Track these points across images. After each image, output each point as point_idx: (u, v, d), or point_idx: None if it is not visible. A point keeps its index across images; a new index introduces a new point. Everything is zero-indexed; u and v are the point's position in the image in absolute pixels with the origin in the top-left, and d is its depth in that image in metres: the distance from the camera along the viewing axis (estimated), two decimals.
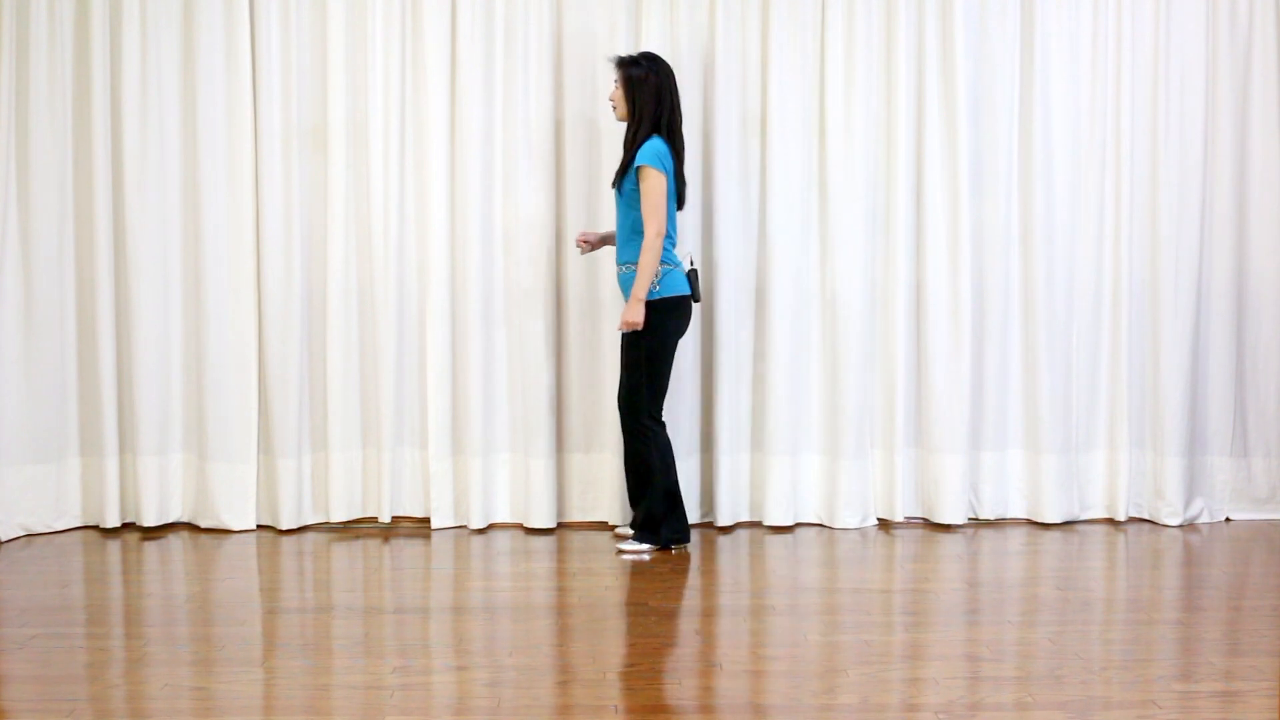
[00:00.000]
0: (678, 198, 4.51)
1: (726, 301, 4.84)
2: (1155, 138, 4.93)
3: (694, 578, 4.24)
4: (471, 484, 4.85)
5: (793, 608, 3.85)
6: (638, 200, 4.41)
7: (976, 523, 4.99)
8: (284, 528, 4.84)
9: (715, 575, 4.29)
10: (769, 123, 4.86)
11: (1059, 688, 3.11)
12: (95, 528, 4.87)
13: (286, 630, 3.64)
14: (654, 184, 4.35)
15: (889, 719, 2.93)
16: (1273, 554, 4.57)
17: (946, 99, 4.87)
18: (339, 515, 4.89)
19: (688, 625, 3.73)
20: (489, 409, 4.87)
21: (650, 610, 3.83)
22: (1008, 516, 5.02)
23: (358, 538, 4.79)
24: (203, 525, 4.89)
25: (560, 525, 4.93)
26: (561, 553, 4.58)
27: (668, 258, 4.43)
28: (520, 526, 4.91)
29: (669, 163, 4.41)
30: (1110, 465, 5.01)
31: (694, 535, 4.75)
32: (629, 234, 4.46)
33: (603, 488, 4.93)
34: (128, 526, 4.89)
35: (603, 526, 4.92)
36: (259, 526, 4.90)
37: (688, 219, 4.80)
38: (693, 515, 4.86)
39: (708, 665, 3.34)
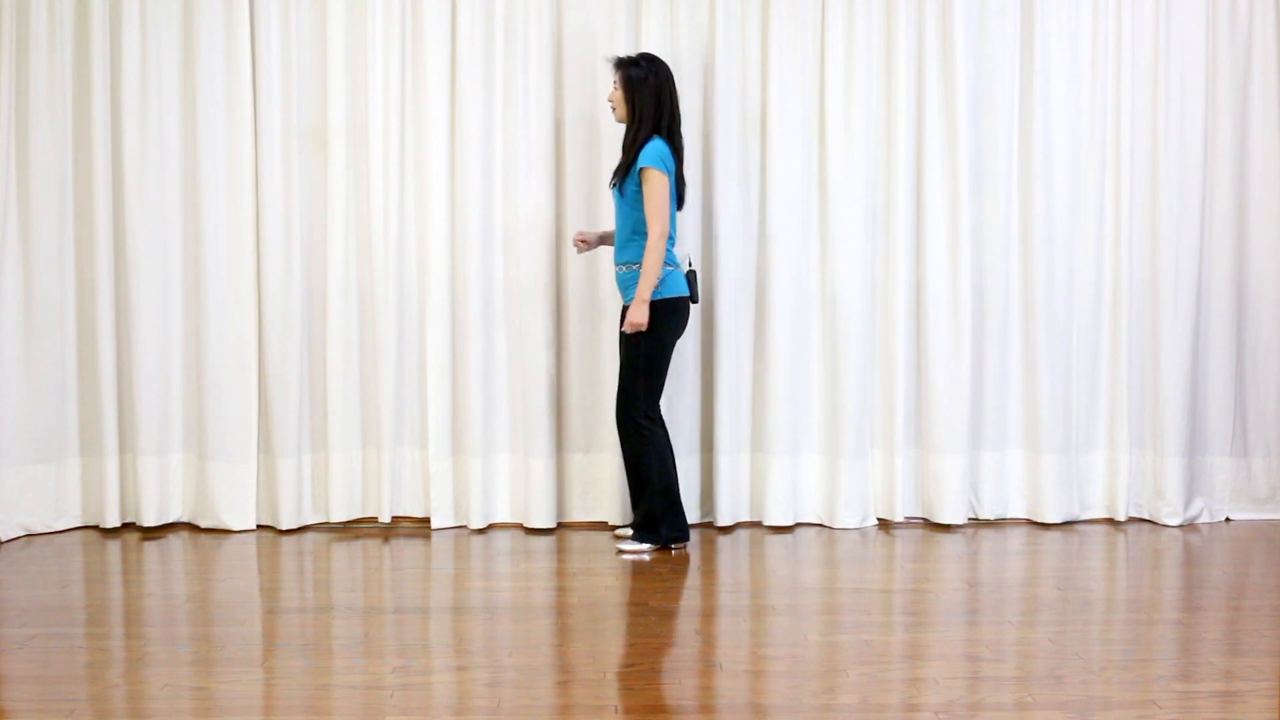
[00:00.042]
0: (678, 198, 4.51)
1: (726, 301, 4.84)
2: (1155, 138, 4.93)
3: (694, 578, 4.24)
4: (471, 484, 4.85)
5: (793, 608, 3.85)
6: (639, 201, 4.41)
7: (976, 523, 4.99)
8: (284, 528, 4.84)
9: (715, 575, 4.29)
10: (769, 123, 4.86)
11: (1059, 688, 3.11)
12: (95, 528, 4.87)
13: (286, 630, 3.64)
14: (657, 185, 4.36)
15: (889, 719, 2.93)
16: (1273, 554, 4.57)
17: (946, 99, 4.87)
18: (339, 515, 4.89)
19: (688, 625, 3.73)
20: (489, 409, 4.87)
21: (650, 610, 3.83)
22: (1008, 516, 5.03)
23: (358, 538, 4.79)
24: (203, 525, 4.89)
25: (560, 525, 4.93)
26: (561, 553, 4.58)
27: (668, 259, 4.43)
28: (520, 526, 4.91)
29: (671, 163, 4.42)
30: (1110, 465, 5.01)
31: (694, 535, 4.76)
32: (629, 234, 4.46)
33: (603, 488, 4.93)
34: (128, 526, 4.89)
35: (603, 526, 4.92)
36: (259, 526, 4.91)
37: (688, 219, 4.80)
38: (693, 515, 4.86)
39: (708, 665, 3.34)
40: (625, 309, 4.53)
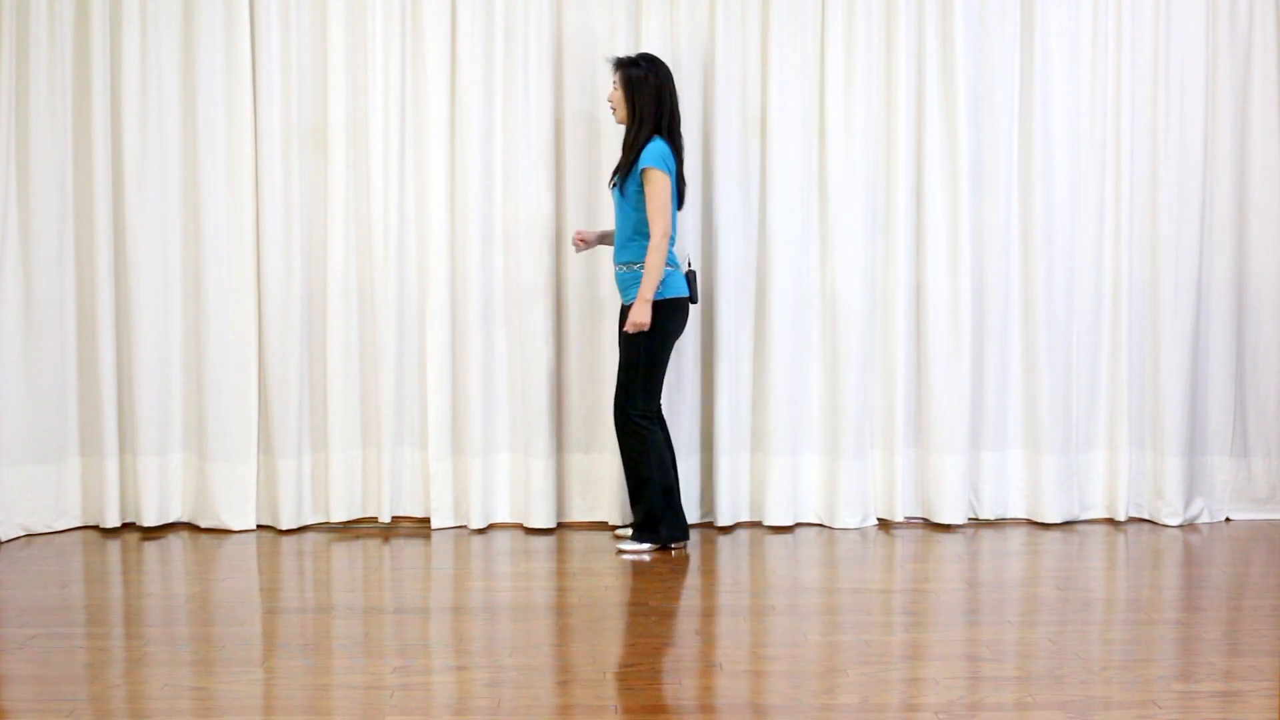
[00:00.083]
0: (678, 198, 4.52)
1: (726, 301, 4.84)
2: (1155, 138, 4.93)
3: (694, 578, 4.24)
4: (471, 484, 4.85)
5: (793, 608, 3.85)
6: (640, 201, 4.42)
7: (976, 523, 4.99)
8: (284, 528, 4.84)
9: (715, 575, 4.29)
10: (769, 123, 4.86)
11: (1059, 688, 3.11)
12: (95, 528, 4.87)
13: (286, 630, 3.64)
14: (660, 186, 4.36)
15: (889, 719, 2.93)
16: (1273, 554, 4.57)
17: (946, 99, 4.87)
18: (339, 515, 4.89)
19: (688, 625, 3.73)
20: (489, 409, 4.87)
21: (650, 610, 3.83)
22: (1008, 516, 5.03)
23: (358, 538, 4.79)
24: (203, 525, 4.89)
25: (560, 525, 4.93)
26: (561, 553, 4.58)
27: (669, 259, 4.43)
28: (520, 526, 4.91)
29: (672, 163, 4.42)
30: (1110, 465, 5.01)
31: (694, 535, 4.76)
32: (630, 234, 4.46)
33: (603, 488, 4.93)
34: (128, 526, 4.89)
35: (603, 526, 4.92)
36: (259, 526, 4.91)
37: (688, 219, 4.80)
38: (692, 515, 4.86)
39: (708, 665, 3.34)
40: (625, 308, 4.53)
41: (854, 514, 4.90)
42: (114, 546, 4.66)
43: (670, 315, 4.44)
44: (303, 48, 4.82)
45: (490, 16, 4.81)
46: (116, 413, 4.82)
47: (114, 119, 4.77)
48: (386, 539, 4.76)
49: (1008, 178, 4.91)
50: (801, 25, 4.85)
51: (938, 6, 4.87)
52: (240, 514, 4.85)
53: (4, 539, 4.68)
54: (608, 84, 4.68)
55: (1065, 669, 3.25)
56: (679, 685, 3.17)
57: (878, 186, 4.91)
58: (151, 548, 4.66)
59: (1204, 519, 5.02)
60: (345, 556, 4.53)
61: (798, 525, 4.94)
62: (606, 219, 4.84)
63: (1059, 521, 4.95)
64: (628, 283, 4.49)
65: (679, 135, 4.52)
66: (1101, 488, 5.03)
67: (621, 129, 4.60)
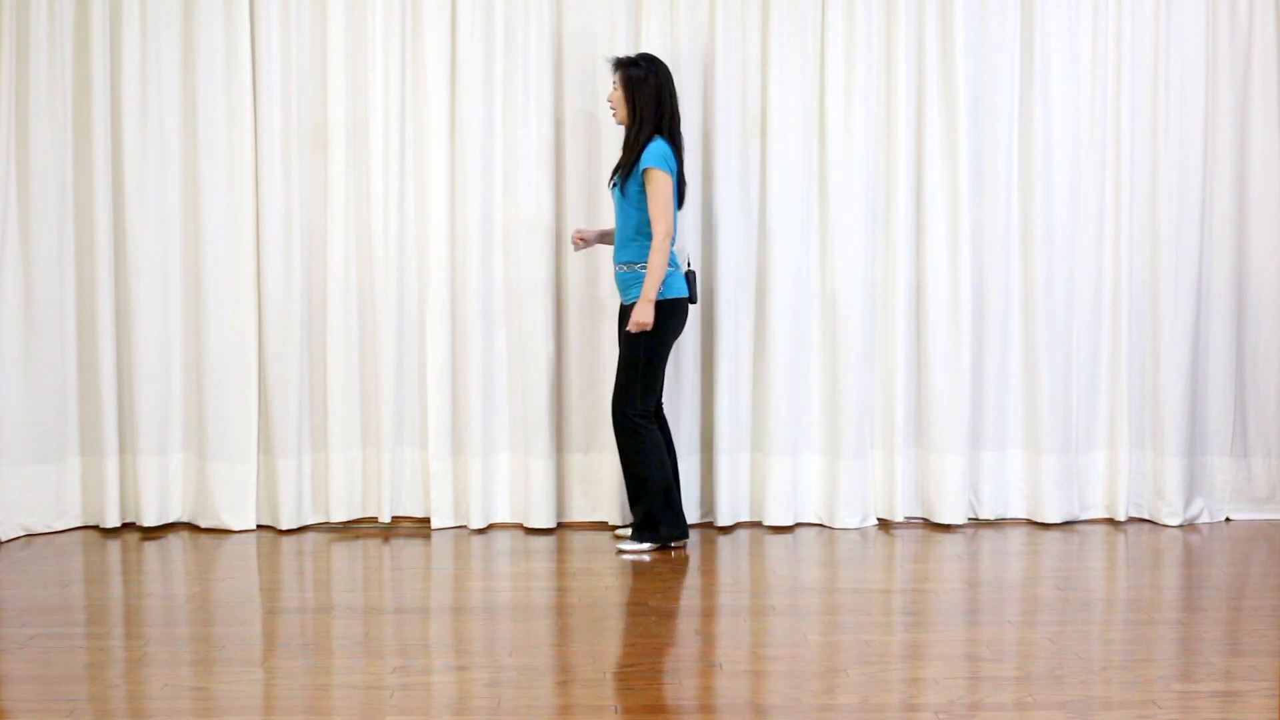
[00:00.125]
0: (679, 198, 4.52)
1: (726, 301, 4.84)
2: (1155, 138, 4.93)
3: (694, 578, 4.24)
4: (471, 484, 4.85)
5: (793, 608, 3.85)
6: (641, 201, 4.42)
7: (976, 523, 4.99)
8: (284, 528, 4.84)
9: (715, 575, 4.29)
10: (769, 123, 4.86)
11: (1059, 688, 3.11)
12: (95, 528, 4.87)
13: (286, 630, 3.64)
14: (662, 186, 4.37)
15: (889, 719, 2.93)
16: (1273, 554, 4.57)
17: (946, 99, 4.87)
18: (339, 515, 4.89)
19: (688, 625, 3.73)
20: (489, 409, 4.87)
21: (650, 610, 3.83)
22: (1008, 516, 5.03)
23: (358, 538, 4.79)
24: (203, 525, 4.89)
25: (560, 525, 4.93)
26: (561, 553, 4.58)
27: (669, 259, 4.43)
28: (520, 526, 4.91)
29: (673, 163, 4.43)
30: (1110, 465, 5.01)
31: (694, 535, 4.76)
32: (631, 234, 4.46)
33: (603, 488, 4.93)
34: (128, 526, 4.90)
35: (603, 526, 4.92)
36: (259, 526, 4.91)
37: (688, 219, 4.80)
38: (692, 515, 4.86)
39: (708, 665, 3.34)
40: (624, 308, 4.54)
41: (854, 514, 4.90)
42: (114, 546, 4.66)
43: (670, 315, 4.44)
44: (303, 48, 4.82)
45: (490, 16, 4.81)
46: (116, 413, 4.82)
47: (114, 119, 4.77)
48: (386, 539, 4.76)
49: (1008, 178, 4.91)
50: (801, 25, 4.85)
51: (938, 6, 4.87)
52: (240, 514, 4.85)
53: (4, 539, 4.68)
54: (608, 84, 4.68)
55: (1065, 669, 3.25)
56: (679, 685, 3.17)
57: (878, 186, 4.91)
58: (151, 548, 4.66)
59: (1204, 519, 5.01)
60: (345, 556, 4.53)
61: (798, 525, 4.94)
62: (607, 219, 4.84)
63: (1059, 521, 4.95)
64: (628, 282, 4.49)
65: (679, 135, 4.52)
66: (1101, 488, 5.03)
67: (621, 129, 4.60)
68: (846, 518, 4.89)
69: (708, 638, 3.59)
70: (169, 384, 4.85)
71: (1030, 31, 4.90)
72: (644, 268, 4.44)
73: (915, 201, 4.91)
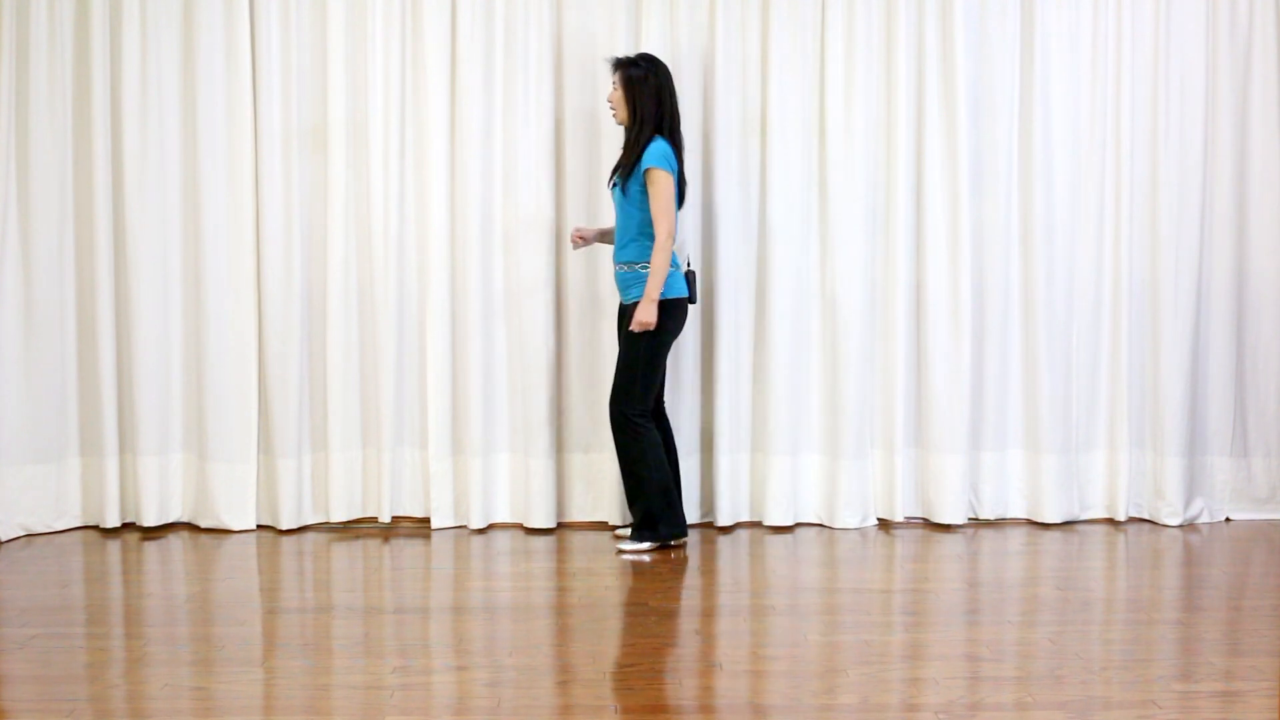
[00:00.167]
0: (679, 198, 4.52)
1: (726, 301, 4.84)
2: (1155, 138, 4.93)
3: (694, 578, 4.24)
4: (471, 484, 4.86)
5: (793, 608, 3.85)
6: (643, 201, 4.42)
7: (976, 523, 4.99)
8: (284, 528, 4.84)
9: (715, 575, 4.29)
10: (769, 123, 4.86)
11: (1059, 688, 3.11)
12: (95, 528, 4.87)
13: (286, 630, 3.64)
14: (664, 186, 4.37)
15: (889, 719, 2.93)
16: (1273, 554, 4.57)
17: (946, 99, 4.87)
18: (339, 515, 4.89)
19: (688, 625, 3.73)
20: (489, 409, 4.87)
21: (650, 610, 3.83)
22: (1008, 516, 5.03)
23: (358, 538, 4.79)
24: (203, 525, 4.89)
25: (560, 525, 4.93)
26: (561, 553, 4.58)
27: (672, 259, 4.43)
28: (520, 526, 4.91)
29: (675, 163, 4.43)
30: (1110, 465, 5.01)
31: (694, 535, 4.76)
32: (633, 235, 4.46)
33: (603, 488, 4.93)
34: (128, 526, 4.90)
35: (603, 526, 4.92)
36: (259, 526, 4.91)
37: (688, 219, 4.80)
38: (692, 515, 4.86)
39: (708, 665, 3.34)
40: (624, 308, 4.54)
41: (854, 514, 4.90)
42: (114, 546, 4.66)
43: (670, 315, 4.45)
44: (303, 48, 4.82)
45: (490, 16, 4.81)
46: (116, 413, 4.82)
47: (114, 119, 4.77)
48: (386, 539, 4.76)
49: (1008, 178, 4.91)
50: (801, 25, 4.85)
51: (938, 6, 4.87)
52: (240, 514, 4.85)
53: (4, 539, 4.68)
54: (608, 84, 4.68)
55: (1065, 669, 3.25)
56: (679, 685, 3.17)
57: (878, 186, 4.91)
58: (151, 548, 4.66)
59: (1204, 519, 5.01)
60: (345, 556, 4.53)
61: (798, 525, 4.94)
62: (607, 218, 4.84)
63: (1059, 521, 4.95)
64: (629, 282, 4.49)
65: (679, 135, 4.53)
66: (1101, 488, 5.03)
67: (621, 129, 4.61)
68: (846, 518, 4.89)
69: (708, 638, 3.59)
70: (169, 384, 4.85)
71: (1030, 31, 4.90)
72: (644, 267, 4.44)
73: (915, 201, 4.91)
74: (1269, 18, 4.95)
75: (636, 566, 4.35)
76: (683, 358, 4.83)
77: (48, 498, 4.80)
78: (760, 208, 4.90)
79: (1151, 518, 5.01)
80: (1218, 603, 3.91)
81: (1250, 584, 4.18)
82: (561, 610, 3.87)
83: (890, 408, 4.93)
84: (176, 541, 4.74)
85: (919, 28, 4.87)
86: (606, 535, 4.79)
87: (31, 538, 4.75)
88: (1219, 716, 2.94)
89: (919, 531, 4.86)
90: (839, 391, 4.88)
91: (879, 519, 4.98)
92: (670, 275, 4.43)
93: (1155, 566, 4.46)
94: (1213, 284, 4.99)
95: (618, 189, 4.50)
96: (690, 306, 4.62)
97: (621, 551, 4.52)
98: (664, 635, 3.60)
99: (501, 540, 4.74)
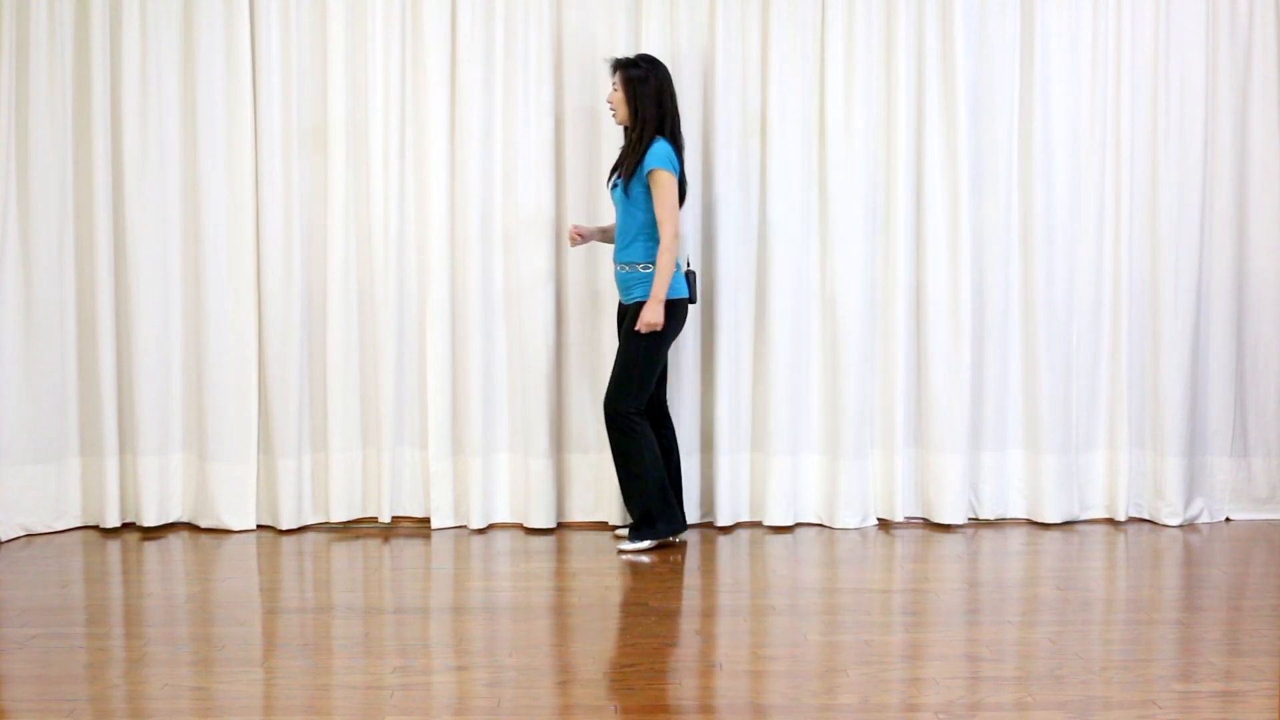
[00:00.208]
0: (680, 198, 4.52)
1: (726, 301, 4.84)
2: (1155, 138, 4.93)
3: (694, 578, 4.24)
4: (471, 484, 4.86)
5: (793, 608, 3.85)
6: (645, 203, 4.43)
7: (976, 523, 4.99)
8: (284, 528, 4.84)
9: (715, 575, 4.29)
10: (769, 123, 4.86)
11: (1059, 688, 3.11)
12: (95, 528, 4.87)
13: (286, 630, 3.64)
14: (668, 187, 4.38)
15: (889, 719, 2.93)
16: (1273, 554, 4.57)
17: (946, 99, 4.87)
18: (339, 515, 4.89)
19: (688, 625, 3.73)
20: (489, 409, 4.87)
21: (650, 610, 3.83)
22: (1008, 516, 5.03)
23: (358, 538, 4.79)
24: (203, 525, 4.89)
25: (560, 525, 4.93)
26: (561, 553, 4.58)
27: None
28: (520, 526, 4.91)
29: (677, 164, 4.44)
30: (1110, 465, 5.01)
31: (694, 535, 4.76)
32: (634, 235, 4.46)
33: (603, 487, 4.92)
34: (128, 526, 4.89)
35: (603, 526, 4.92)
36: (259, 526, 4.91)
37: (688, 219, 4.80)
38: (693, 515, 4.87)
39: (708, 665, 3.34)
40: (624, 307, 4.55)
41: (854, 514, 4.90)
42: (114, 546, 4.66)
43: (670, 315, 4.45)
44: (303, 48, 4.82)
45: (490, 16, 4.81)
46: (116, 413, 4.82)
47: (114, 119, 4.77)
48: (386, 539, 4.76)
49: (1008, 178, 4.90)
50: (801, 25, 4.85)
51: (938, 6, 4.87)
52: (240, 514, 4.85)
53: (4, 539, 4.68)
54: (608, 84, 4.68)
55: (1065, 669, 3.25)
56: (679, 685, 3.17)
57: (878, 186, 4.91)
58: (151, 548, 4.66)
59: (1204, 519, 5.01)
60: (345, 556, 4.53)
61: (798, 525, 4.94)
62: (606, 218, 4.84)
63: (1059, 521, 4.95)
64: (630, 283, 4.50)
65: (680, 135, 4.53)
66: (1101, 488, 5.03)
67: (620, 128, 4.61)
68: (846, 518, 4.89)
69: (708, 638, 3.59)
70: (169, 384, 4.85)
71: (1030, 31, 4.90)
72: (646, 268, 4.45)
73: (915, 201, 4.91)
74: (1269, 18, 4.95)
75: (636, 566, 4.35)
76: (683, 358, 4.83)
77: (48, 498, 4.80)
78: (760, 208, 4.90)
79: (1151, 518, 5.01)
80: (1218, 603, 3.91)
81: (1250, 584, 4.18)
82: (561, 610, 3.87)
83: (890, 408, 4.93)
84: (176, 541, 4.74)
85: (919, 28, 4.87)
86: (606, 535, 4.79)
87: (31, 538, 4.75)
88: (1219, 716, 2.94)
89: (919, 531, 4.86)
90: (839, 391, 4.88)
91: (879, 519, 4.98)
92: (673, 275, 4.44)
93: (1155, 566, 4.46)
94: (1213, 284, 4.99)
95: (618, 190, 4.50)
96: (690, 306, 4.62)
97: (622, 551, 4.52)
98: (664, 635, 3.60)
99: (501, 540, 4.74)
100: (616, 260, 4.55)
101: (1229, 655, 3.39)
